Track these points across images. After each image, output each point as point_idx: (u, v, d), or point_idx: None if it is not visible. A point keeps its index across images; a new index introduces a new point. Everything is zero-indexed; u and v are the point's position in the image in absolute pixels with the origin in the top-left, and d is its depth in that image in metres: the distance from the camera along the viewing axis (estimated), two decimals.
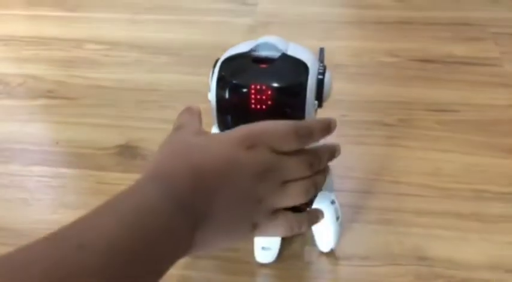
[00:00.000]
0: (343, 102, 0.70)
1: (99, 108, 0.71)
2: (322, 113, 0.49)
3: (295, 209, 0.42)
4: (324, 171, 0.44)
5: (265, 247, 0.48)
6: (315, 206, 0.47)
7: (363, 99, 0.72)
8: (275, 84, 0.42)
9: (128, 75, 0.78)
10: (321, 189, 0.43)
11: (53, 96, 0.74)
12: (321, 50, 0.46)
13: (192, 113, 0.43)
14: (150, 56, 0.82)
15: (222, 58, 0.45)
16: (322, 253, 0.51)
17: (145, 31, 0.89)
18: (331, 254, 0.51)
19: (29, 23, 0.94)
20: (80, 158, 0.63)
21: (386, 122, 0.67)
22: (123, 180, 0.60)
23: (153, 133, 0.66)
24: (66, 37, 0.88)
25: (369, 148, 0.63)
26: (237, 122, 0.44)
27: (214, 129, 0.47)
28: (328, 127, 0.41)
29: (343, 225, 0.52)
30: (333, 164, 0.54)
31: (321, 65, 0.44)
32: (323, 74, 0.44)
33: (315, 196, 0.47)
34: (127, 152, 0.64)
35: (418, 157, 0.61)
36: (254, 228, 0.38)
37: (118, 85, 0.76)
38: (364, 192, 0.57)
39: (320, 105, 0.45)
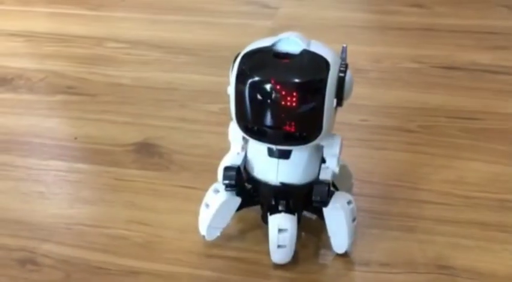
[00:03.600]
0: (363, 107, 0.69)
1: (118, 106, 0.71)
2: (343, 117, 0.48)
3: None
4: None
5: (281, 245, 0.47)
6: (331, 205, 0.46)
7: (384, 104, 0.71)
8: (295, 80, 0.42)
9: (148, 74, 0.78)
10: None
11: (73, 93, 0.74)
12: (343, 49, 0.45)
13: None
14: (170, 55, 0.82)
15: (243, 52, 0.44)
16: (337, 257, 0.50)
17: (166, 31, 0.90)
18: (347, 258, 0.50)
19: (51, 20, 0.94)
20: (98, 154, 0.63)
21: (407, 128, 0.66)
22: (139, 177, 0.60)
23: (171, 132, 0.66)
24: (87, 35, 0.88)
25: (390, 153, 0.62)
26: (256, 116, 0.44)
27: (233, 125, 0.47)
28: None
29: (361, 230, 0.51)
30: (352, 168, 0.53)
31: (343, 63, 0.44)
32: (344, 72, 0.43)
33: (331, 195, 0.46)
34: (144, 150, 0.63)
35: (440, 164, 0.60)
36: None
37: (138, 83, 0.76)
38: (383, 198, 0.56)
39: (340, 104, 0.44)
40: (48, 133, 0.67)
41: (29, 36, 0.89)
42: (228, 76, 0.45)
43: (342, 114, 0.47)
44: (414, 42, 0.85)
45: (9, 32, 0.90)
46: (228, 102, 0.45)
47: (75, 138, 0.66)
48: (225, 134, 0.49)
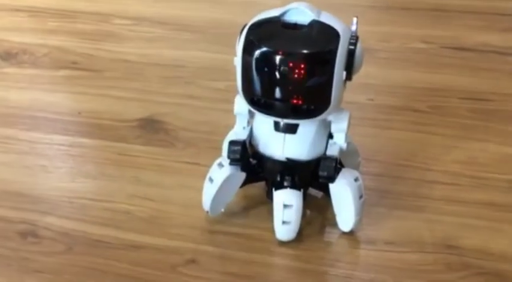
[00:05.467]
0: (371, 86, 0.68)
1: (123, 82, 0.70)
2: (350, 96, 0.47)
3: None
4: None
5: (285, 221, 0.46)
6: (337, 181, 0.46)
7: (392, 84, 0.69)
8: (304, 51, 0.41)
9: (153, 51, 0.77)
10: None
11: (77, 68, 0.73)
12: (355, 21, 0.44)
13: None
14: (175, 32, 0.81)
15: (251, 22, 0.43)
16: (343, 235, 0.49)
17: (171, 8, 0.88)
18: (352, 236, 0.49)
19: None
20: (101, 129, 0.62)
21: (416, 108, 0.65)
22: (143, 152, 0.59)
23: (176, 108, 0.65)
24: (92, 11, 0.87)
25: (397, 133, 0.61)
26: (263, 88, 0.43)
27: (239, 98, 0.46)
28: None
29: (368, 208, 0.50)
30: (359, 148, 0.52)
31: (353, 35, 0.43)
32: (355, 44, 0.42)
33: (338, 172, 0.45)
34: (149, 126, 0.63)
35: (450, 145, 0.59)
36: None
37: (143, 60, 0.75)
38: (391, 177, 0.55)
39: (349, 78, 0.43)
40: (51, 107, 0.66)
41: (33, 11, 0.88)
42: (234, 53, 0.44)
43: (349, 93, 0.46)
44: (423, 22, 0.83)
45: (14, 7, 0.89)
46: (235, 74, 0.44)
47: (79, 113, 0.65)
48: (231, 111, 0.48)
